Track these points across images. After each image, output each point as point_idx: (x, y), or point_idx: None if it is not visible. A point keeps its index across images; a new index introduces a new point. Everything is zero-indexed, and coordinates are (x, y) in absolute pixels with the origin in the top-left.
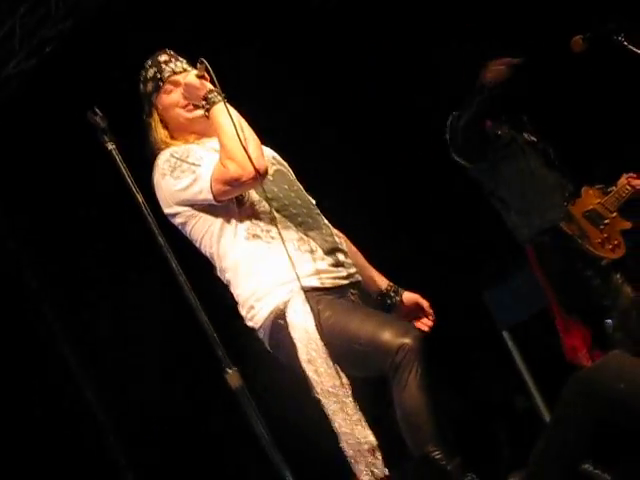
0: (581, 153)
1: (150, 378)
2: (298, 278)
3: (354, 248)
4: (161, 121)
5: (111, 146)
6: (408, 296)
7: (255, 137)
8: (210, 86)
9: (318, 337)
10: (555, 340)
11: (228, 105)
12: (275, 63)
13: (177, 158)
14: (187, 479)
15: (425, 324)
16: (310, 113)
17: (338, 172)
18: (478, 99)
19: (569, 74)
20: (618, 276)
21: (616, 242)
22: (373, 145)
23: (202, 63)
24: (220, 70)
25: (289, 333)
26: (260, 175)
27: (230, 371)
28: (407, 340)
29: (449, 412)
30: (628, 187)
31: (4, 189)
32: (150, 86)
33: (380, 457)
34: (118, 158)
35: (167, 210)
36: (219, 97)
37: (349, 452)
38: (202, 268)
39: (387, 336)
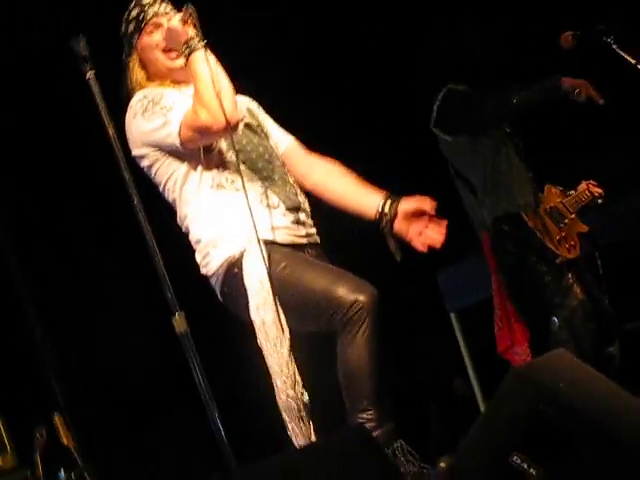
0: (546, 152)
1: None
2: (256, 229)
3: (343, 170)
4: (140, 62)
5: (90, 75)
6: (404, 207)
7: (231, 87)
8: (192, 32)
9: (270, 287)
10: None
11: (208, 53)
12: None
13: (150, 100)
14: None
15: (435, 235)
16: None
17: None
18: (546, 92)
19: (554, 68)
20: (570, 275)
21: (572, 243)
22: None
23: (188, 8)
24: (207, 21)
25: (242, 281)
26: (231, 126)
27: (177, 315)
28: (361, 297)
29: (389, 386)
30: (587, 193)
31: None
32: (132, 26)
33: (307, 419)
34: (95, 88)
35: (135, 151)
36: (200, 44)
37: (281, 407)
38: (163, 212)
39: (341, 291)
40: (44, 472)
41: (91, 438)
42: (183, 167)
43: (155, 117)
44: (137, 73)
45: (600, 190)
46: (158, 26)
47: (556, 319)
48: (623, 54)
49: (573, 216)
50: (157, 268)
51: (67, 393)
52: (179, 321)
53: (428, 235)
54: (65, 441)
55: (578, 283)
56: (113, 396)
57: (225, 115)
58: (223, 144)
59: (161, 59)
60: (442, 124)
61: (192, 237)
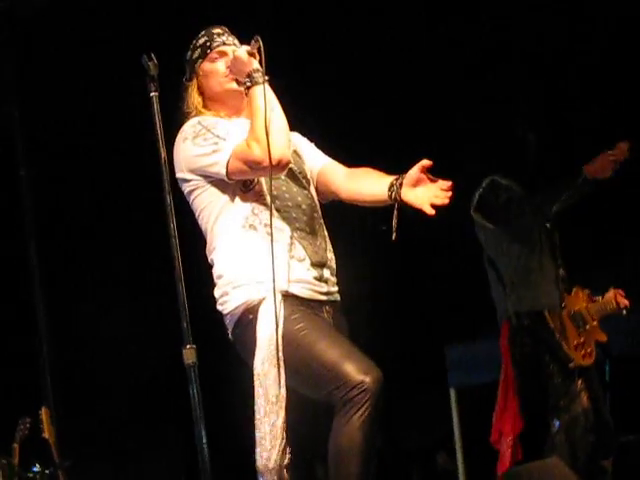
0: (584, 253)
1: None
2: (274, 281)
3: (355, 169)
4: (198, 88)
5: (154, 95)
6: (407, 175)
7: (286, 127)
8: (257, 65)
9: (280, 343)
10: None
11: (268, 89)
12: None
13: (203, 126)
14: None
15: (441, 194)
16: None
17: None
18: (574, 187)
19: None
20: (580, 382)
21: (589, 350)
22: None
23: (257, 41)
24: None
25: (254, 329)
26: (280, 166)
27: (188, 346)
28: (367, 379)
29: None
30: (614, 302)
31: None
32: (197, 53)
33: None
34: (156, 108)
35: (179, 174)
36: (262, 78)
37: (259, 462)
38: (196, 242)
39: (349, 368)
40: (20, 462)
41: (73, 436)
42: (221, 200)
43: (206, 144)
44: (194, 98)
45: (626, 302)
46: (223, 54)
47: (557, 422)
48: None
49: (595, 323)
50: (178, 295)
51: (58, 388)
52: (189, 353)
53: (434, 195)
54: (47, 435)
55: (586, 391)
56: (104, 398)
57: (276, 153)
58: (263, 186)
59: (221, 82)
60: (482, 212)
61: (215, 271)
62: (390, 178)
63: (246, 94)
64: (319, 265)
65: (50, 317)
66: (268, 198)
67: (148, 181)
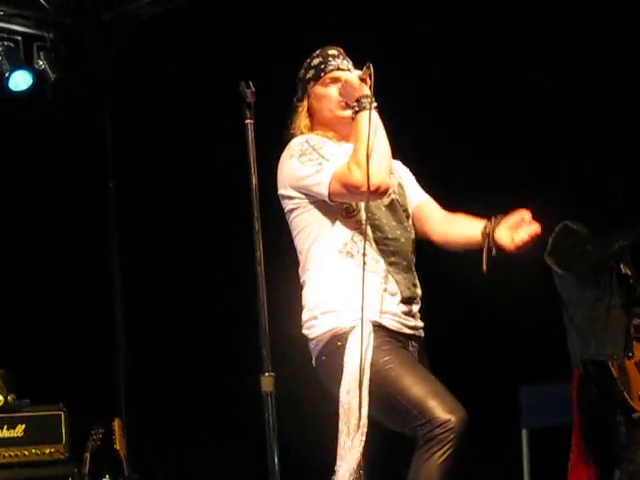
0: None
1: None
2: (362, 310)
3: (450, 214)
4: (308, 109)
5: (249, 122)
6: (505, 220)
7: (389, 154)
8: (367, 91)
9: (368, 373)
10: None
11: (376, 115)
12: None
13: (310, 145)
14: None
15: (523, 234)
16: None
17: None
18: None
19: None
20: None
21: None
22: None
23: (369, 68)
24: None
25: (342, 357)
26: (379, 192)
27: (267, 374)
28: (453, 418)
29: None
30: None
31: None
32: (311, 73)
33: None
34: (250, 135)
35: (282, 191)
36: (371, 104)
37: None
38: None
39: (435, 406)
40: (90, 472)
41: (144, 450)
42: (321, 223)
43: (311, 163)
44: (303, 119)
45: None
46: (336, 80)
47: (619, 472)
48: None
49: None
50: (260, 322)
51: (133, 401)
52: (267, 381)
53: (519, 235)
54: (118, 447)
55: None
56: (178, 415)
57: (376, 179)
58: (363, 215)
59: (332, 108)
60: (553, 257)
61: (306, 293)
62: (484, 220)
63: (353, 119)
64: (409, 301)
65: (129, 331)
66: (368, 228)
67: (239, 206)
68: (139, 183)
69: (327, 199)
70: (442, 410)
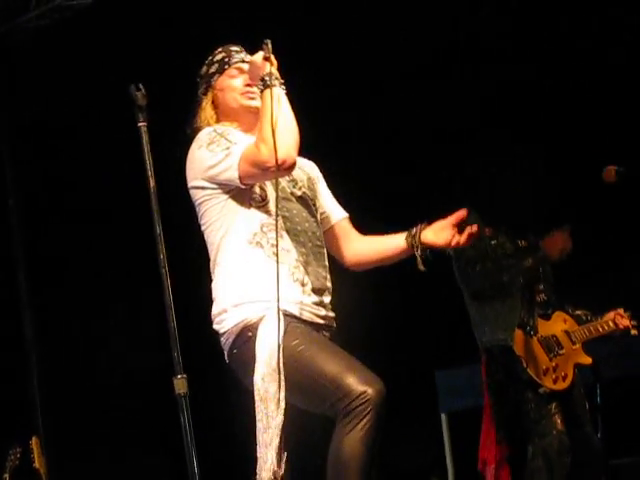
0: (579, 274)
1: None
2: (278, 300)
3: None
4: (213, 102)
5: (142, 125)
6: (433, 224)
7: (294, 128)
8: (271, 69)
9: (280, 360)
10: None
11: (281, 92)
12: None
13: (218, 133)
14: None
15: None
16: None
17: None
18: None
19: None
20: (553, 406)
21: (563, 374)
22: None
23: (267, 44)
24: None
25: (254, 346)
26: (286, 166)
27: (179, 376)
28: (370, 390)
29: None
30: (611, 324)
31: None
32: (214, 67)
33: None
34: (145, 138)
35: (193, 182)
36: (275, 82)
37: (259, 476)
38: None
39: (351, 380)
40: None
41: (64, 467)
42: (232, 214)
43: (219, 149)
44: (208, 111)
45: (626, 323)
46: (241, 71)
47: (531, 448)
48: None
49: (577, 346)
50: (168, 324)
51: (49, 418)
52: (180, 383)
53: (453, 234)
54: (37, 465)
55: (560, 414)
56: (95, 428)
57: (282, 153)
58: (274, 206)
59: (237, 98)
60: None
61: (215, 287)
62: (399, 240)
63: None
64: (320, 291)
65: (40, 346)
66: (279, 218)
67: (138, 210)
68: (40, 197)
69: (239, 182)
70: (358, 383)
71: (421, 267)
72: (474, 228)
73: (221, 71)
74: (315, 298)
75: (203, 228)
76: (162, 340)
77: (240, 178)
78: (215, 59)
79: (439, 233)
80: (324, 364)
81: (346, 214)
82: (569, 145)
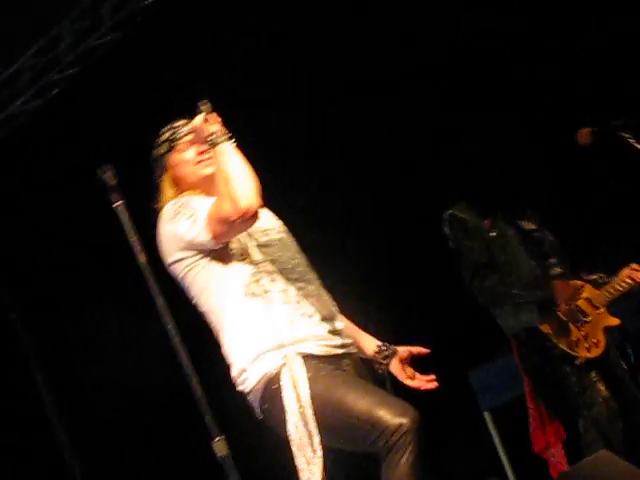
0: (584, 241)
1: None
2: (289, 343)
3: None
4: (171, 180)
5: (118, 204)
6: (400, 355)
7: (249, 176)
8: (214, 127)
9: (309, 405)
10: None
11: (229, 146)
12: None
13: (179, 205)
14: None
15: (426, 383)
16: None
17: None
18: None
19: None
20: (593, 374)
21: (595, 340)
22: None
23: (204, 104)
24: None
25: (281, 398)
26: (251, 214)
27: (217, 439)
28: (405, 420)
29: None
30: (628, 280)
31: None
32: (164, 147)
33: None
34: (124, 217)
35: (171, 259)
36: (221, 138)
37: None
38: (199, 330)
39: (385, 414)
40: None
41: None
42: (219, 275)
43: (184, 218)
44: (167, 191)
45: None
46: (191, 143)
47: (582, 421)
48: None
49: (601, 310)
50: (194, 391)
51: None
52: (220, 446)
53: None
54: None
55: (601, 381)
56: None
57: (243, 204)
58: (257, 255)
59: (193, 170)
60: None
61: (227, 351)
62: (372, 341)
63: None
64: (329, 319)
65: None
66: (265, 264)
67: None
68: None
69: (213, 244)
70: (392, 416)
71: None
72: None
73: (170, 149)
74: (327, 326)
75: (195, 300)
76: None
77: (213, 239)
78: (162, 139)
79: (407, 370)
80: (354, 405)
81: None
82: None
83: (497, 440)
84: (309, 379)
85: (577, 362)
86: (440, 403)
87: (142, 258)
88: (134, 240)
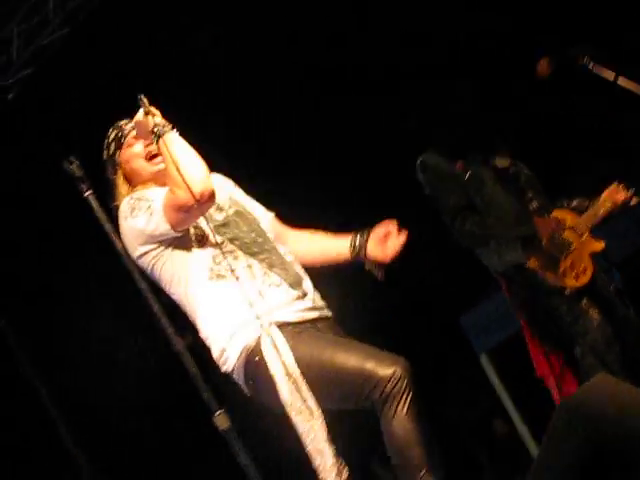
0: (557, 171)
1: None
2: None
3: (311, 231)
4: (124, 177)
5: (88, 193)
6: (373, 234)
7: (197, 160)
8: (155, 120)
9: (297, 370)
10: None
11: (173, 135)
12: None
13: (135, 199)
14: None
15: (394, 243)
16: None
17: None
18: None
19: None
20: (584, 302)
21: (581, 268)
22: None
23: (141, 99)
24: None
25: (266, 370)
26: (206, 198)
27: (218, 413)
28: (396, 369)
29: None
30: (609, 202)
31: None
32: (112, 147)
33: None
34: (96, 204)
35: (134, 254)
36: (165, 129)
37: None
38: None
39: (375, 366)
40: None
41: None
42: (183, 262)
43: (142, 212)
44: (122, 188)
45: (624, 196)
46: (137, 137)
47: (578, 348)
48: (600, 72)
49: (585, 237)
50: (188, 369)
51: None
52: (221, 419)
53: (390, 246)
54: None
55: (593, 307)
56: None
57: (197, 188)
58: (216, 236)
59: (144, 166)
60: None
61: (204, 335)
62: (344, 238)
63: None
64: (297, 284)
65: None
66: (225, 244)
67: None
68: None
69: (173, 232)
70: (383, 367)
71: (380, 277)
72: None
73: (119, 146)
74: (295, 292)
75: (166, 290)
76: None
77: (172, 227)
78: (110, 139)
79: (384, 247)
80: (343, 363)
81: (272, 214)
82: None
83: (496, 381)
84: (291, 347)
85: (566, 292)
86: (436, 353)
87: (119, 244)
88: (108, 227)
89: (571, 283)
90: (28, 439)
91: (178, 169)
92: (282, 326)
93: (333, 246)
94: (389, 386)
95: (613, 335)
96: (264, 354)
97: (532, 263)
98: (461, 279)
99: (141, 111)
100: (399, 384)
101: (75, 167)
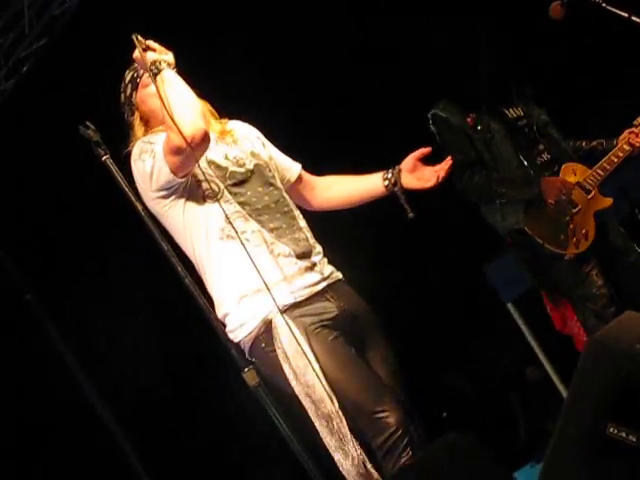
0: (575, 114)
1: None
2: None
3: (334, 177)
4: (141, 118)
5: (105, 157)
6: (404, 164)
7: (193, 102)
8: (153, 56)
9: (308, 348)
10: None
11: (170, 73)
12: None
13: (145, 142)
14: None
15: (434, 175)
16: None
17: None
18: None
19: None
20: (585, 266)
21: (583, 232)
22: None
23: (137, 37)
24: None
25: (277, 362)
26: (198, 141)
27: (247, 369)
28: (397, 417)
29: (464, 393)
30: (625, 146)
31: None
32: (129, 88)
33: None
34: (114, 168)
35: (147, 197)
36: (162, 66)
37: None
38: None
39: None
40: None
41: None
42: (193, 219)
43: (147, 155)
44: (138, 130)
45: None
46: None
47: (580, 311)
48: (614, 9)
49: (592, 194)
50: (217, 331)
51: None
52: (250, 375)
53: (426, 174)
54: None
55: (596, 268)
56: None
57: (188, 131)
58: (228, 195)
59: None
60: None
61: (211, 293)
62: (378, 175)
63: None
64: (305, 255)
65: None
66: (234, 205)
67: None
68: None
69: (174, 176)
70: (383, 412)
71: (411, 215)
72: (447, 163)
73: (135, 86)
74: (303, 263)
75: (175, 239)
76: None
77: (173, 172)
78: (127, 81)
79: (418, 176)
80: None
81: (299, 165)
82: None
83: (526, 330)
84: (307, 332)
85: (566, 258)
86: (461, 303)
87: (139, 206)
88: (127, 189)
89: (571, 250)
90: (60, 415)
91: (171, 110)
92: (290, 311)
93: (367, 184)
94: (390, 440)
95: (612, 298)
96: (275, 334)
97: (533, 229)
98: (483, 231)
99: (138, 49)
100: (400, 437)
101: (92, 132)
